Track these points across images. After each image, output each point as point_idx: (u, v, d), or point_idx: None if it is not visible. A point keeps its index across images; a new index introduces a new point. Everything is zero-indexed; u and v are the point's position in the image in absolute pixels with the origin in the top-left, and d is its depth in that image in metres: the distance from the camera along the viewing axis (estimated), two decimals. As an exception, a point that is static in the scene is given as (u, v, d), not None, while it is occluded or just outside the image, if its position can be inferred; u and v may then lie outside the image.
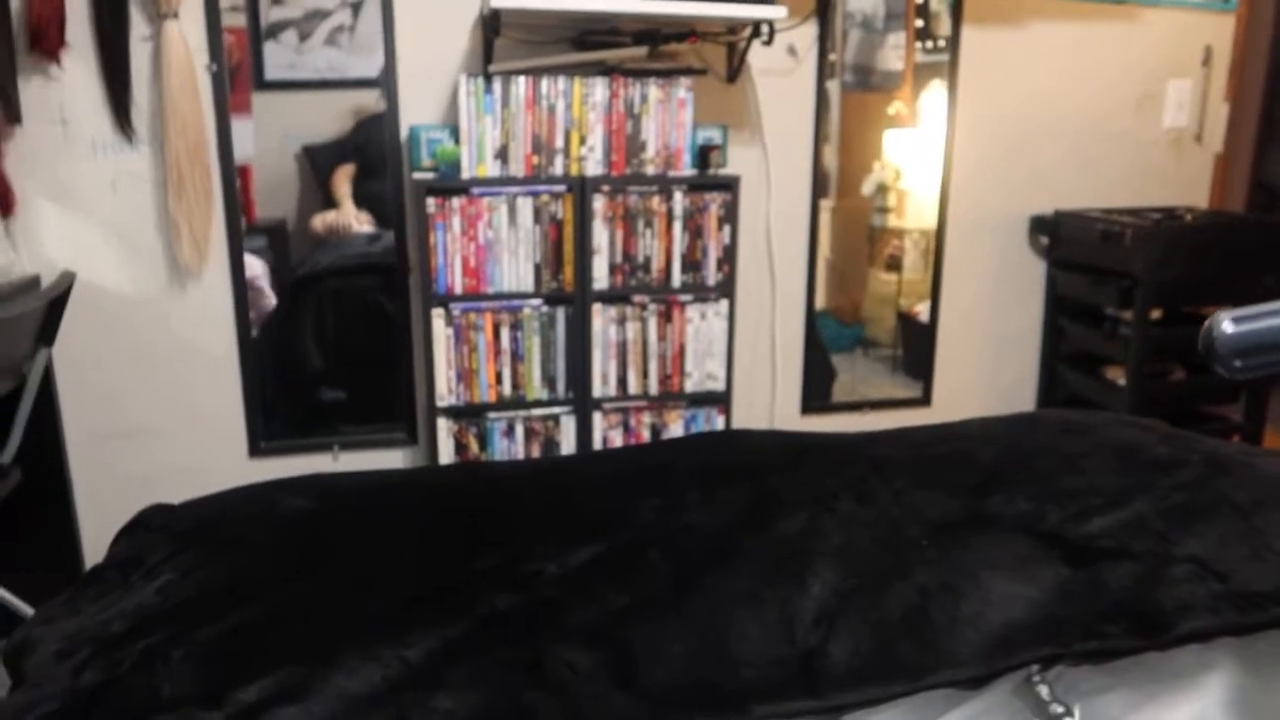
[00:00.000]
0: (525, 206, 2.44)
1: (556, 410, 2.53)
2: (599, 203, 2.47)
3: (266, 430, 2.63)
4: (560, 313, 2.50)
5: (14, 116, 2.30)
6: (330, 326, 2.93)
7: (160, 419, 2.51)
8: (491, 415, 2.49)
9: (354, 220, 2.95)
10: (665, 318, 2.55)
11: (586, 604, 1.24)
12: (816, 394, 3.04)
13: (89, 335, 2.41)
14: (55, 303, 2.30)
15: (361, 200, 2.86)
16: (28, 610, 2.25)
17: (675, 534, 1.38)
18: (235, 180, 2.52)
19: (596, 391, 2.53)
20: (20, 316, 2.11)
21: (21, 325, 2.13)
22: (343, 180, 2.93)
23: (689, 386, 2.59)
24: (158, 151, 2.40)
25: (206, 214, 2.44)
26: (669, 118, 2.52)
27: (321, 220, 2.94)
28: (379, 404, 2.74)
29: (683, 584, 1.28)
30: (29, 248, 2.37)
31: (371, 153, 2.80)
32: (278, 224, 2.81)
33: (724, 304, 2.57)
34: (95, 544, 2.50)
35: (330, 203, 2.91)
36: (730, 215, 2.55)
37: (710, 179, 2.55)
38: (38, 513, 2.42)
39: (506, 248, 2.45)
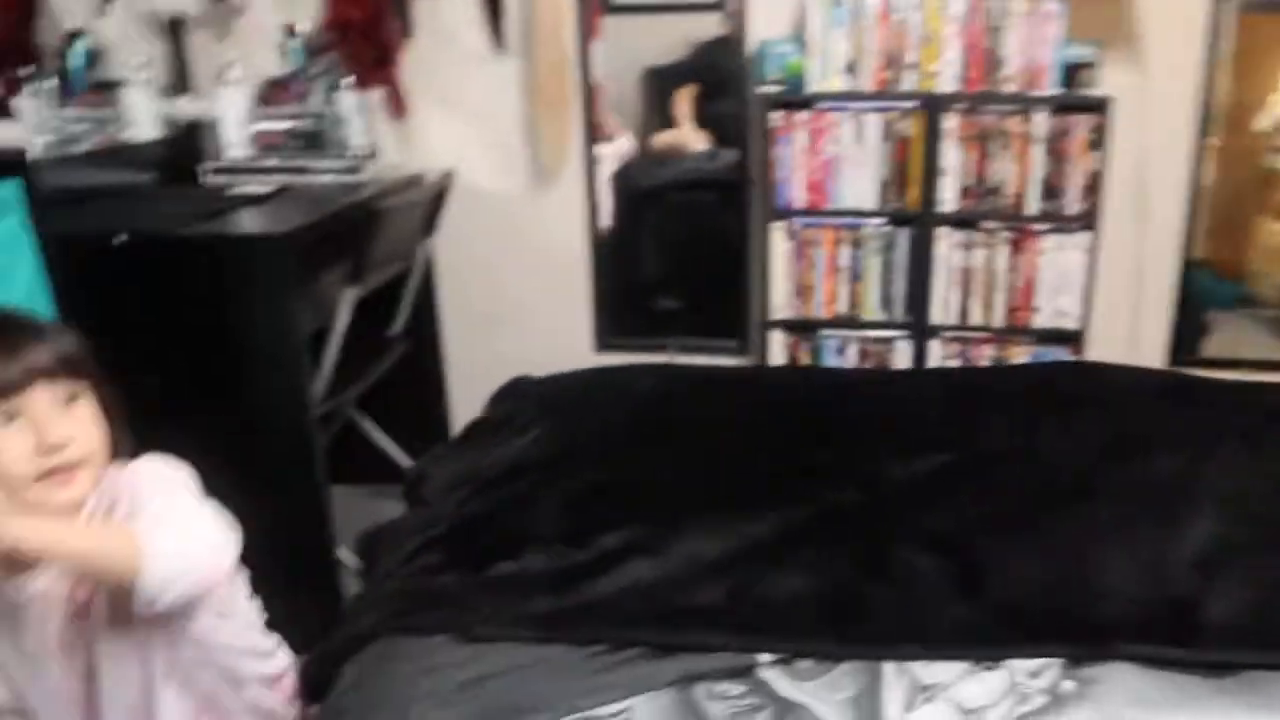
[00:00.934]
0: (872, 123, 2.36)
1: (891, 334, 2.46)
2: (951, 121, 2.33)
3: (609, 328, 2.80)
4: (903, 234, 2.41)
5: (407, 30, 2.57)
6: (668, 238, 3.04)
7: (519, 308, 2.75)
8: (825, 333, 2.47)
9: (693, 140, 3.02)
10: (1016, 247, 2.38)
11: (931, 510, 1.21)
12: (1184, 348, 2.71)
13: (464, 228, 2.67)
14: (437, 197, 2.58)
15: (701, 121, 2.92)
16: (406, 460, 2.58)
17: (1030, 457, 1.31)
18: (592, 91, 2.66)
19: (935, 318, 2.42)
20: (409, 207, 2.39)
21: (409, 216, 2.41)
22: (683, 101, 2.99)
23: (1038, 322, 2.41)
24: (526, 63, 2.58)
25: (565, 121, 2.60)
26: (1034, 32, 2.31)
27: (661, 140, 3.03)
28: (711, 315, 2.81)
29: (1039, 508, 1.21)
30: (417, 148, 2.65)
31: (712, 75, 2.83)
32: (621, 142, 2.92)
33: (1085, 236, 2.35)
34: (460, 410, 2.81)
35: (670, 123, 2.99)
36: (1100, 140, 2.31)
37: (1078, 100, 2.32)
38: (417, 381, 2.76)
39: (851, 164, 2.39)
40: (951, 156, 2.35)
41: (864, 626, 1.06)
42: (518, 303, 2.76)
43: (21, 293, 1.64)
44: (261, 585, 1.19)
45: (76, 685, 1.05)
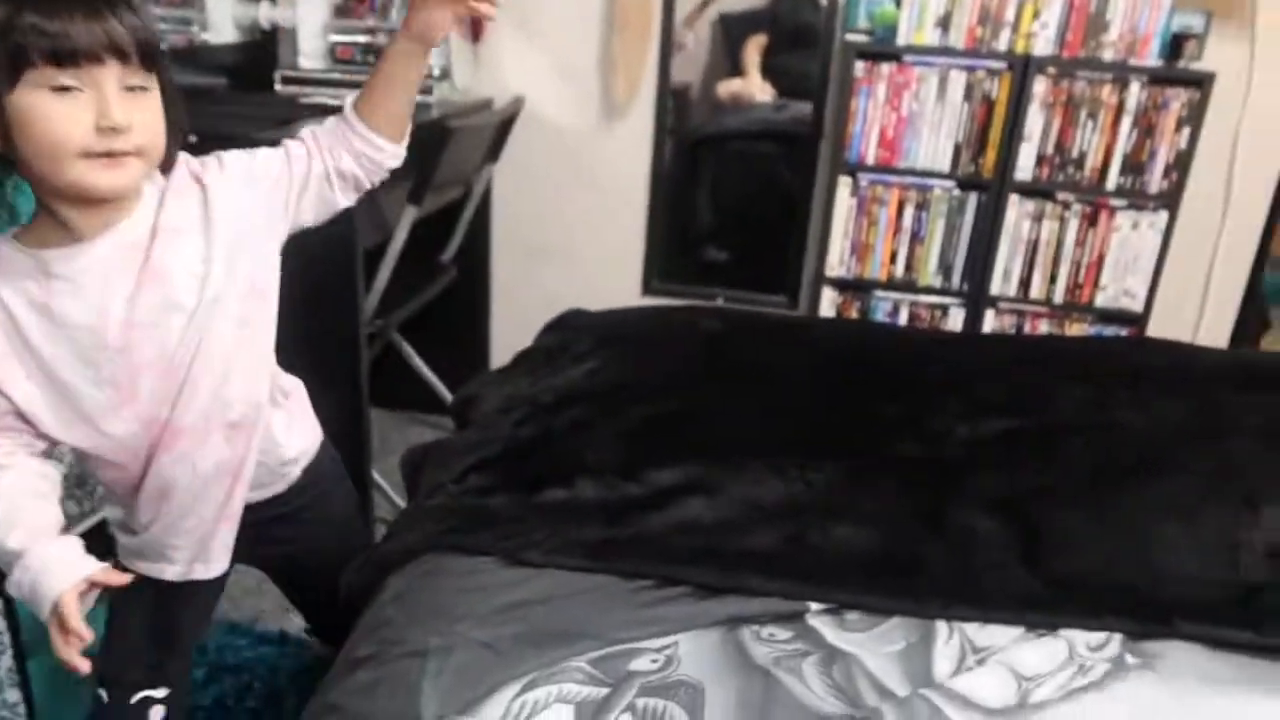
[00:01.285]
0: (958, 81, 2.29)
1: (947, 300, 2.41)
2: (1040, 85, 2.26)
3: (657, 273, 2.77)
4: (972, 199, 2.35)
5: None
6: (725, 188, 2.98)
7: (572, 244, 2.72)
8: (879, 294, 2.44)
9: (758, 90, 2.95)
10: (1090, 221, 2.32)
11: (994, 474, 1.18)
12: (1244, 342, 2.64)
13: (526, 158, 2.64)
14: (505, 123, 2.54)
15: (768, 72, 2.85)
16: (443, 388, 2.59)
17: (1100, 428, 1.28)
18: (672, 26, 2.59)
19: (995, 288, 2.38)
20: (476, 131, 2.35)
21: (475, 140, 2.38)
22: (753, 50, 2.92)
23: (1100, 300, 2.35)
24: (609, -7, 2.52)
25: (643, 56, 2.55)
26: (1144, -3, 2.22)
27: (726, 88, 2.97)
28: (762, 268, 2.78)
29: (1105, 480, 1.18)
30: (489, 72, 2.62)
31: (784, 26, 2.75)
32: (682, 87, 2.87)
33: (1163, 216, 2.28)
34: (501, 342, 2.80)
35: (737, 71, 2.93)
36: (1194, 117, 2.23)
37: (1178, 73, 2.23)
38: (461, 309, 2.75)
39: (929, 123, 2.33)
40: (1035, 123, 2.28)
41: (917, 583, 1.04)
42: (569, 239, 2.73)
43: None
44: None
45: (140, 373, 0.99)
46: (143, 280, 0.98)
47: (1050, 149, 2.30)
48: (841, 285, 2.46)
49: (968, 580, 1.03)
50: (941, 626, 1.00)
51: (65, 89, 0.88)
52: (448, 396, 2.49)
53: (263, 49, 2.50)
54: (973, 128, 2.32)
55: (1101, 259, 2.34)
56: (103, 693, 1.18)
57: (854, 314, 2.47)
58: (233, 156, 1.06)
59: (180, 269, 1.00)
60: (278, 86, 2.42)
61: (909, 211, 2.39)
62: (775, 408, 1.33)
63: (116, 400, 1.01)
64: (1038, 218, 2.34)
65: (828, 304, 2.47)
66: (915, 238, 2.40)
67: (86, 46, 0.87)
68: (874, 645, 1.00)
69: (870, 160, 2.38)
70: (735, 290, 2.75)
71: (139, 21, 0.91)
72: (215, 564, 1.15)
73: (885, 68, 2.31)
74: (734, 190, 2.96)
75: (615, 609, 1.04)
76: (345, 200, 1.13)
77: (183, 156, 1.03)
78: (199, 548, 1.12)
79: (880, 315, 2.45)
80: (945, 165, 2.35)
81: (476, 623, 1.03)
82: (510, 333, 2.65)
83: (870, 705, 0.93)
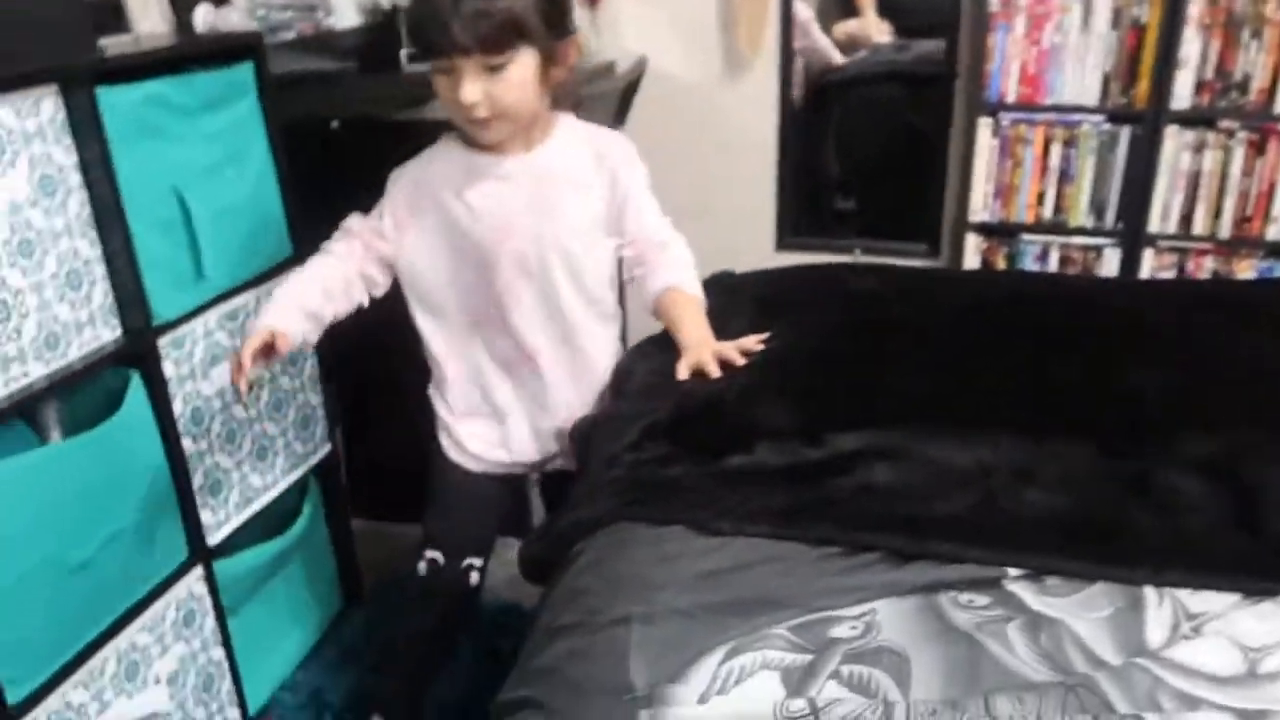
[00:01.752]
0: (1103, 7, 2.17)
1: (1100, 241, 2.31)
2: (1195, 5, 2.12)
3: (789, 227, 2.73)
4: (1124, 133, 2.23)
5: (605, -87, 2.49)
6: (854, 135, 2.91)
7: (705, 202, 2.69)
8: (1026, 237, 2.35)
9: (875, 30, 2.87)
10: (1257, 149, 2.17)
11: (1197, 432, 1.14)
12: None
13: (653, 119, 2.62)
14: (629, 86, 2.53)
15: (883, 10, 2.77)
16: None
17: (1302, 377, 1.21)
18: (791, -27, 2.53)
19: (1153, 226, 2.26)
20: (602, 97, 2.35)
21: (602, 105, 2.38)
22: (866, -12, 2.84)
23: (1272, 233, 2.21)
24: (724, -58, 2.47)
25: (764, 5, 2.49)
26: (1310, -101, 2.05)
27: (843, 29, 2.89)
28: (899, 215, 2.71)
29: (1316, 433, 1.12)
30: (609, 35, 2.60)
31: None
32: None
33: (1340, 138, 2.13)
34: (640, 308, 2.80)
35: (851, 11, 2.84)
36: (1373, 27, 2.06)
37: (1353, -20, 2.06)
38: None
39: (1073, 55, 2.22)
40: (1191, 46, 2.14)
41: (1123, 547, 1.01)
42: (701, 197, 2.69)
43: (254, 173, 1.71)
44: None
45: (501, 269, 1.34)
46: (545, 207, 1.34)
47: (1210, 73, 2.16)
48: (986, 230, 2.38)
49: (1179, 544, 1.00)
50: (1150, 592, 0.98)
51: (445, 71, 1.23)
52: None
53: (386, 29, 2.54)
54: (1122, 56, 2.20)
55: (1272, 189, 2.20)
56: (438, 555, 1.47)
57: (1000, 259, 2.39)
58: (638, 168, 1.45)
59: (571, 208, 1.35)
60: (404, 65, 2.46)
61: (1056, 150, 2.29)
62: (944, 367, 1.30)
63: (474, 278, 1.37)
64: (1199, 148, 2.20)
65: (971, 250, 2.40)
66: (1064, 177, 2.30)
67: (442, 48, 1.21)
68: (1079, 611, 0.98)
69: (1011, 98, 2.28)
70: (871, 240, 2.69)
71: (487, 24, 1.19)
72: (558, 460, 1.50)
73: (1023, -1, 2.21)
74: (863, 137, 2.89)
75: (809, 576, 1.04)
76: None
77: (605, 133, 1.45)
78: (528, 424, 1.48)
79: (1028, 259, 2.37)
80: (1093, 99, 2.24)
81: (676, 591, 1.05)
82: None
83: (1081, 672, 0.92)
